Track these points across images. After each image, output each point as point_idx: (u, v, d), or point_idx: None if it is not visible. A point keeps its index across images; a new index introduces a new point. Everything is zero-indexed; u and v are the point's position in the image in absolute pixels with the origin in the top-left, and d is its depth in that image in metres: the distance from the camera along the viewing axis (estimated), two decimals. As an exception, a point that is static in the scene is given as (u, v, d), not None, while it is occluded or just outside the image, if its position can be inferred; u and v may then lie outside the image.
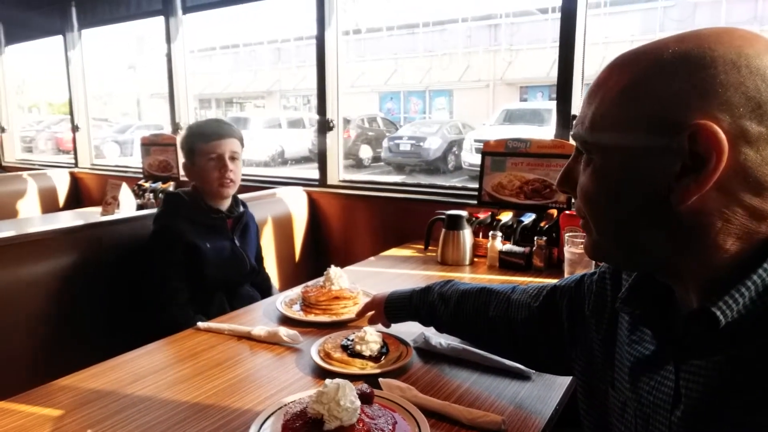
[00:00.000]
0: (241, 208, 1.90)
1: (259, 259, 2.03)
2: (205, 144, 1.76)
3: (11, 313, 1.57)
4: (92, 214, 3.11)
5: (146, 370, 1.17)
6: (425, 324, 1.19)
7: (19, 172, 3.93)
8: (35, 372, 1.52)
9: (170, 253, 1.68)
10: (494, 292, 1.06)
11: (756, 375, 0.51)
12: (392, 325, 1.28)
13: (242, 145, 1.85)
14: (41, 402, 1.04)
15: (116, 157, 14.96)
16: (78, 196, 4.16)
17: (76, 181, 4.19)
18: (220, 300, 1.76)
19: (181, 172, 2.96)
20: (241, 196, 2.51)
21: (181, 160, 1.90)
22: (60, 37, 4.14)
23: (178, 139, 3.01)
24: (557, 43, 2.16)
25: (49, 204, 3.91)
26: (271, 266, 2.49)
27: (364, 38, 18.88)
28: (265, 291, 1.97)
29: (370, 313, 1.32)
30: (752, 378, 0.51)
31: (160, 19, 3.49)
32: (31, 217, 3.49)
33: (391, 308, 1.23)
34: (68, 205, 4.02)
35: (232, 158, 1.79)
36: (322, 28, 2.75)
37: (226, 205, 1.84)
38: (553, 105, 2.23)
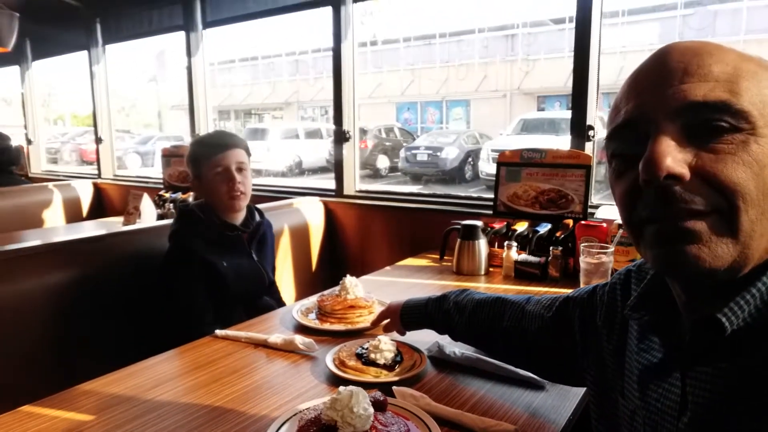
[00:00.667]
0: (257, 218, 1.87)
1: (272, 268, 2.00)
2: (210, 157, 1.72)
3: (30, 319, 1.61)
4: (115, 224, 3.18)
5: (165, 376, 1.19)
6: (440, 332, 1.20)
7: (45, 183, 4.03)
8: (54, 376, 1.55)
9: (191, 270, 1.66)
10: (509, 303, 1.07)
11: (762, 381, 0.51)
12: (407, 333, 1.30)
13: (249, 154, 1.81)
14: (65, 406, 1.07)
15: (138, 168, 15.26)
16: (101, 206, 4.26)
17: (99, 192, 4.29)
18: (239, 314, 1.75)
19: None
20: (260, 206, 2.55)
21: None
22: (85, 53, 4.27)
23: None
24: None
25: (74, 214, 4.00)
26: (287, 275, 2.52)
27: (381, 49, 19.02)
28: (277, 301, 1.95)
29: (385, 321, 1.33)
30: (758, 384, 0.51)
31: (181, 34, 3.58)
32: (56, 227, 3.58)
33: (406, 316, 1.25)
34: (92, 214, 4.11)
35: (240, 169, 1.74)
36: (339, 41, 2.80)
37: (240, 218, 1.81)
38: (570, 114, 2.23)
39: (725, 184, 0.51)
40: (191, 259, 1.67)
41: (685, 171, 0.52)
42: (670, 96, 0.53)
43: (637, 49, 12.53)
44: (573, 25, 2.16)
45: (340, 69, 2.82)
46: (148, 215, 3.00)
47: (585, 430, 0.94)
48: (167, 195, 3.35)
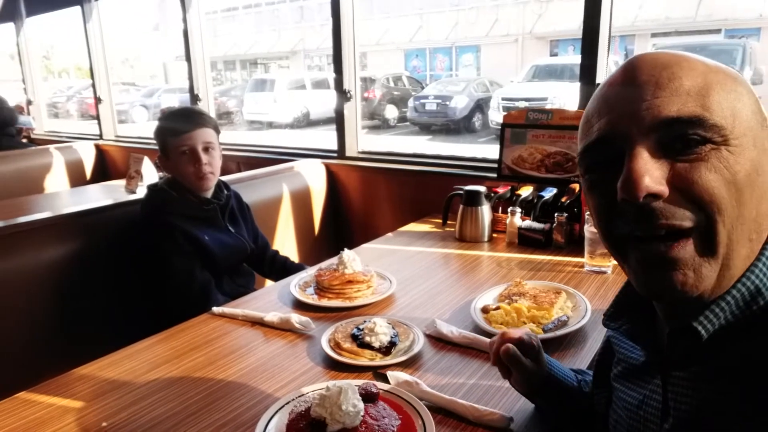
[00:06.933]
0: (225, 192, 1.84)
1: (258, 235, 1.97)
2: (176, 138, 1.68)
3: (29, 296, 1.61)
4: (118, 188, 3.15)
5: (161, 359, 1.19)
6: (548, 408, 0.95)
7: (47, 146, 3.99)
8: (54, 353, 1.56)
9: (178, 248, 1.65)
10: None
11: (739, 383, 0.52)
12: (404, 311, 1.27)
13: (217, 132, 1.77)
14: (61, 392, 1.07)
15: (145, 122, 15.16)
16: (104, 168, 4.22)
17: (101, 153, 4.25)
18: (227, 281, 1.78)
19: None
20: (259, 171, 2.51)
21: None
22: (78, 8, 4.13)
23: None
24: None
25: (77, 177, 3.98)
26: (290, 242, 2.50)
27: (389, -7, 18.33)
28: (288, 271, 1.91)
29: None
30: (735, 386, 0.52)
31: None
32: (60, 191, 3.56)
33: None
34: (95, 178, 4.08)
35: (206, 149, 1.70)
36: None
37: (210, 193, 1.79)
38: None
39: (701, 194, 0.51)
40: (175, 238, 1.65)
41: (663, 188, 0.52)
42: (643, 111, 0.53)
43: (656, -13, 11.91)
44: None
45: (339, 17, 2.67)
46: (150, 179, 2.97)
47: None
48: (168, 157, 3.30)
